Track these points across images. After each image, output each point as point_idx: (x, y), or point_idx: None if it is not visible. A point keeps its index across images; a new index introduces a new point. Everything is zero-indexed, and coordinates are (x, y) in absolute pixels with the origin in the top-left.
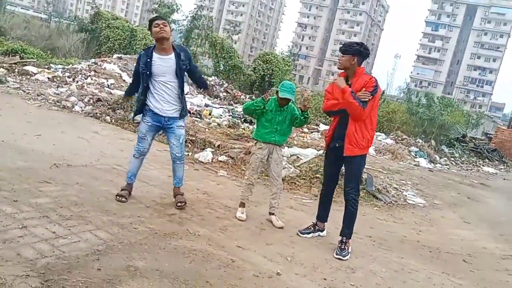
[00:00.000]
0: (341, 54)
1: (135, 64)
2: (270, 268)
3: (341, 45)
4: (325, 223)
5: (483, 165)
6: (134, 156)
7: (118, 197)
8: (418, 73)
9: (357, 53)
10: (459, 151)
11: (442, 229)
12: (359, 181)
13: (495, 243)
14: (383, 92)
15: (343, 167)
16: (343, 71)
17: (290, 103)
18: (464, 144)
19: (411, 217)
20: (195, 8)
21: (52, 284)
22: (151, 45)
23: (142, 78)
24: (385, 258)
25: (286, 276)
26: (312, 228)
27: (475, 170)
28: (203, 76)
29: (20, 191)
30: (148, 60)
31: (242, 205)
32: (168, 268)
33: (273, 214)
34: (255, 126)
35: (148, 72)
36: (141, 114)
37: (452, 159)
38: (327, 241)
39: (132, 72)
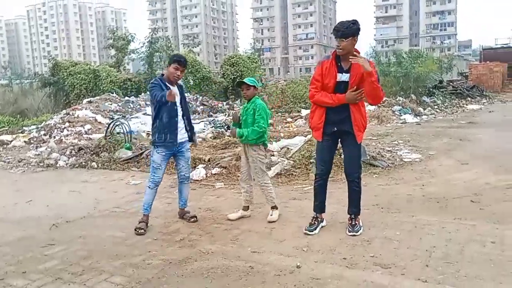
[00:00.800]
0: (341, 39)
1: (153, 89)
2: (289, 263)
3: (337, 29)
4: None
5: (466, 104)
6: (149, 187)
7: (136, 231)
8: (381, 34)
9: (356, 33)
10: (440, 98)
11: (443, 177)
12: (360, 161)
13: (496, 175)
14: None
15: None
16: (340, 52)
17: (255, 97)
18: (443, 90)
19: (411, 174)
20: (149, 33)
21: None
22: (159, 76)
23: (169, 103)
24: (396, 221)
25: (307, 266)
26: (316, 223)
27: (460, 111)
28: (190, 116)
29: (26, 261)
30: (168, 88)
31: (245, 208)
32: None
33: (273, 208)
34: None
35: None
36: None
37: (436, 107)
38: (337, 220)
39: (153, 101)
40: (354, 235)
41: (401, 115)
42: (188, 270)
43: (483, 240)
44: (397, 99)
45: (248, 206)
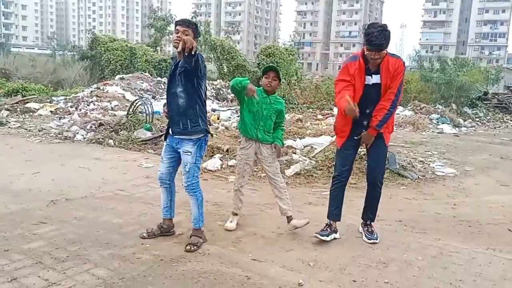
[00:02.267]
0: (375, 52)
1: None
2: (291, 279)
3: (378, 42)
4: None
5: (510, 120)
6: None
7: (142, 233)
8: (427, 39)
9: (387, 43)
10: (483, 110)
11: (478, 198)
12: (385, 164)
13: None
14: None
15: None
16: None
17: (280, 100)
18: (487, 102)
19: (442, 190)
20: (191, 16)
21: None
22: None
23: (168, 82)
24: (419, 243)
25: (310, 285)
26: (329, 230)
27: (504, 126)
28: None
29: (12, 238)
30: (175, 62)
31: (235, 214)
32: None
33: (290, 218)
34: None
35: (173, 73)
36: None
37: (477, 119)
38: (352, 235)
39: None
40: (375, 243)
41: (439, 124)
42: (179, 271)
43: None
44: (436, 107)
45: (237, 213)
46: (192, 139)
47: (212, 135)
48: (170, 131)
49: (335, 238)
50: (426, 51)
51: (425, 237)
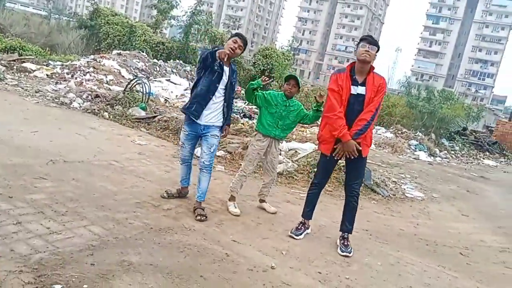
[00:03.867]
0: (369, 45)
1: (202, 59)
2: (265, 262)
3: (368, 37)
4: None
5: (483, 158)
6: (179, 162)
7: (163, 193)
8: (419, 67)
9: (378, 47)
10: (460, 144)
11: (439, 222)
12: (362, 176)
13: (493, 235)
14: None
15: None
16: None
17: (296, 102)
18: (464, 137)
19: (409, 210)
20: (194, 4)
21: (45, 279)
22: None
23: (212, 77)
24: (381, 251)
25: (281, 269)
26: (302, 228)
27: (476, 163)
28: (231, 105)
29: (15, 188)
30: (221, 62)
31: (233, 198)
32: (162, 263)
33: (263, 201)
34: (255, 120)
35: (221, 73)
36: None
37: (452, 152)
38: (323, 234)
39: (199, 66)
40: (347, 256)
41: (416, 151)
42: (166, 240)
43: None
44: (416, 134)
45: (235, 197)
46: (218, 126)
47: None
48: (196, 119)
49: (307, 233)
50: (416, 78)
51: (386, 247)
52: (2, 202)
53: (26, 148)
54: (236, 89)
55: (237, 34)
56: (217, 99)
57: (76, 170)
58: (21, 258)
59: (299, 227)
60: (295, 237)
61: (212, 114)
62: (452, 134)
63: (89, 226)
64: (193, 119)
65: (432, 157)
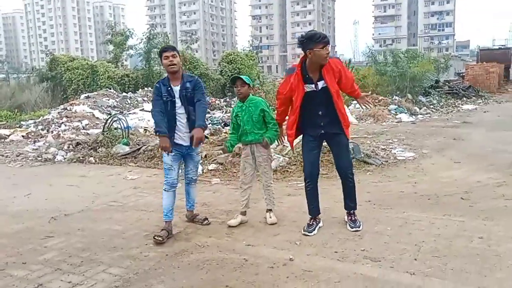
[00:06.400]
0: (325, 45)
1: (153, 98)
2: (282, 256)
3: (324, 36)
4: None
5: (462, 104)
6: (165, 190)
7: (155, 238)
8: (379, 34)
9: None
10: (436, 97)
11: (435, 175)
12: (350, 156)
13: (487, 174)
14: (349, 61)
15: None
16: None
17: (250, 96)
18: (439, 89)
19: (404, 172)
20: (148, 29)
21: None
22: (165, 77)
23: (167, 107)
24: (387, 217)
25: (299, 259)
26: (314, 224)
27: (455, 111)
28: (204, 112)
29: (25, 253)
30: (169, 88)
31: (243, 213)
32: (187, 284)
33: (269, 210)
34: None
35: (173, 99)
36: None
37: (431, 106)
38: (329, 216)
39: (152, 106)
40: (358, 230)
41: (397, 114)
42: (184, 262)
43: (471, 235)
44: (393, 99)
45: (246, 211)
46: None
47: None
48: (181, 142)
49: (320, 227)
50: (380, 46)
51: (391, 212)
52: (18, 269)
53: (24, 212)
54: (203, 93)
55: (162, 51)
56: (183, 119)
57: (78, 220)
58: None
59: (310, 223)
60: (309, 234)
61: (186, 135)
62: (427, 89)
63: (107, 269)
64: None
65: (413, 116)
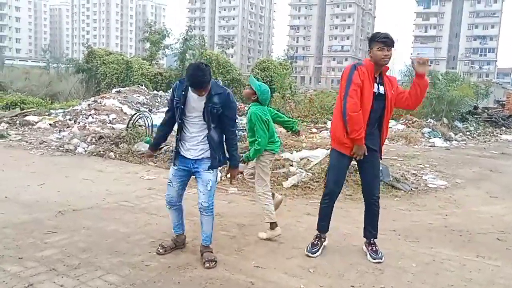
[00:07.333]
0: (388, 48)
1: (169, 97)
2: (293, 284)
3: (389, 37)
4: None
5: (500, 134)
6: (166, 206)
7: (157, 249)
8: (418, 54)
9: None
10: (474, 124)
11: (468, 209)
12: (379, 178)
13: None
14: None
15: None
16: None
17: (252, 104)
18: (477, 116)
19: (434, 201)
20: (185, 30)
21: None
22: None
23: (176, 113)
24: (413, 251)
25: None
26: (318, 243)
27: (493, 140)
28: (237, 147)
29: (25, 247)
30: (183, 92)
31: (271, 224)
32: None
33: (270, 225)
34: None
35: (182, 106)
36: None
37: (468, 133)
38: (349, 243)
39: (167, 104)
40: (379, 262)
41: (430, 138)
42: (186, 277)
43: (507, 284)
44: (428, 121)
45: (276, 222)
46: (210, 158)
47: None
48: (186, 154)
49: (324, 246)
50: None
51: (418, 246)
52: (13, 264)
53: (34, 202)
54: (235, 118)
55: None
56: (193, 128)
57: (86, 217)
58: None
59: (315, 243)
60: (312, 255)
61: (197, 147)
62: (464, 115)
63: (104, 275)
64: (179, 152)
65: (448, 142)
